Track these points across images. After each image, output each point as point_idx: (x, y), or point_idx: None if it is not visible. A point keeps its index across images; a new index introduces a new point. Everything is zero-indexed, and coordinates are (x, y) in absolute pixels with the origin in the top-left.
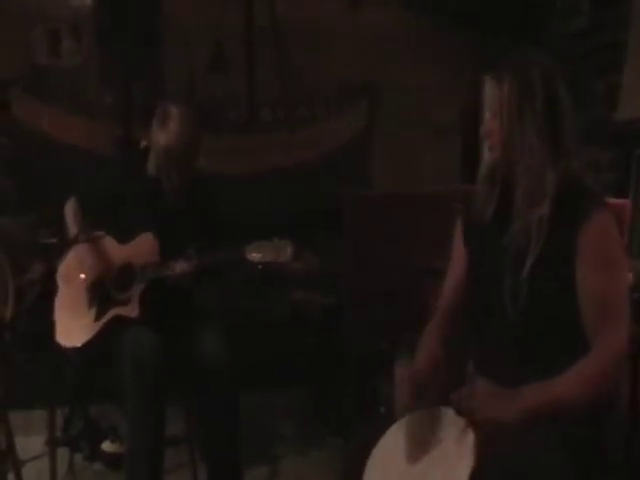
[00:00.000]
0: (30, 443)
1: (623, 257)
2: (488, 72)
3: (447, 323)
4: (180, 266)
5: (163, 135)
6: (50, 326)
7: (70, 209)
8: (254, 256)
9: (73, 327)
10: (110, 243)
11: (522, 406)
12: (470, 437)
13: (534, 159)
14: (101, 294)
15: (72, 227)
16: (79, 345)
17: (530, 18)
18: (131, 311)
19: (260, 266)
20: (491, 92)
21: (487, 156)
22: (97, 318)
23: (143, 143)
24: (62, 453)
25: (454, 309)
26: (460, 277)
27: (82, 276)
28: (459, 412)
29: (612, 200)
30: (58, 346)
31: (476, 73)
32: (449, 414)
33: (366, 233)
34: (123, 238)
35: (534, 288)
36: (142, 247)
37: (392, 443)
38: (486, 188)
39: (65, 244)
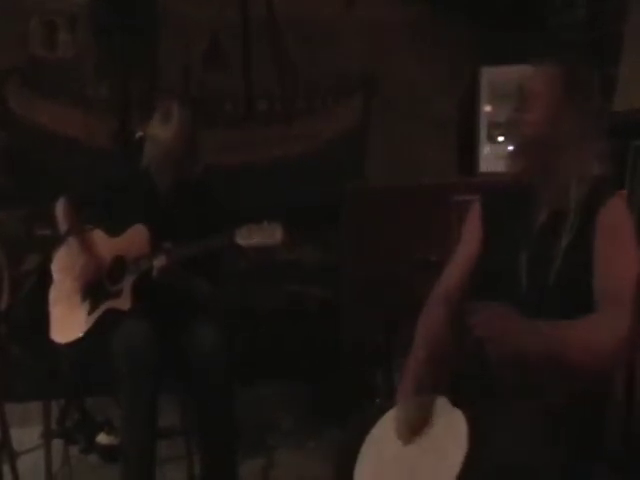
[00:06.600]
0: (25, 435)
1: (636, 244)
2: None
3: (451, 306)
4: (159, 261)
5: (163, 132)
6: (46, 318)
7: (60, 208)
8: (244, 240)
9: (67, 322)
10: (101, 236)
11: (539, 334)
12: (463, 425)
13: (582, 139)
14: (94, 287)
15: (63, 225)
16: (73, 340)
17: (529, 10)
18: (123, 303)
19: (250, 250)
20: (535, 78)
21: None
22: (90, 311)
23: (139, 134)
24: (57, 445)
25: (458, 292)
26: (469, 259)
27: (74, 270)
28: (479, 336)
29: None
30: (53, 339)
31: (475, 66)
32: (443, 403)
33: (364, 226)
34: (116, 231)
35: (560, 264)
36: (134, 239)
37: (385, 432)
38: (516, 162)
39: (57, 239)
